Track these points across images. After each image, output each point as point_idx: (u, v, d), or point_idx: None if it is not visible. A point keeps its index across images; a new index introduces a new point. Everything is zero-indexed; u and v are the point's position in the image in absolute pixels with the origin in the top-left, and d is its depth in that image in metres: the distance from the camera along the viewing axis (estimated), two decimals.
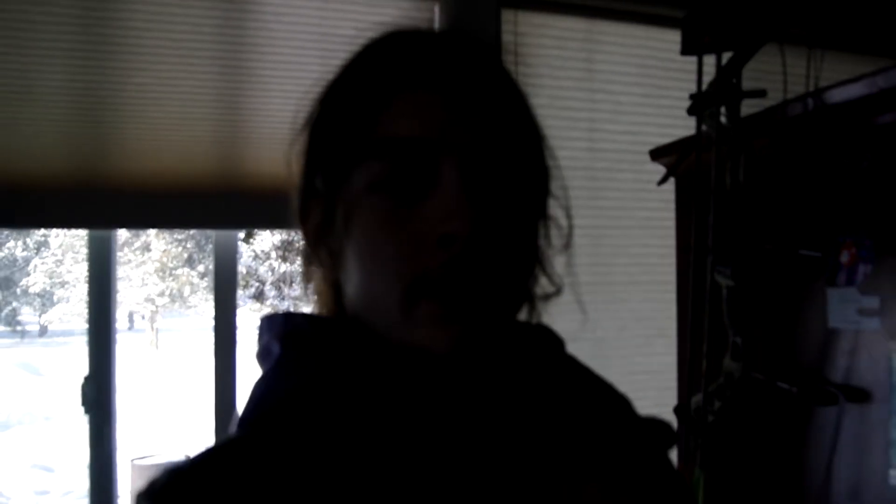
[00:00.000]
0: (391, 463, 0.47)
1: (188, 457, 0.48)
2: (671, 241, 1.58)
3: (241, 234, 14.20)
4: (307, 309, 0.58)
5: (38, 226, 1.70)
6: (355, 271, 0.50)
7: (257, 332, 0.55)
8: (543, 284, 0.57)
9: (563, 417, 0.52)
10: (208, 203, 1.59)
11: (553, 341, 0.59)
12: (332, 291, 0.55)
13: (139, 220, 1.63)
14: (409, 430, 0.48)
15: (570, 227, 0.58)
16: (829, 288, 1.13)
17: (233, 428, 0.51)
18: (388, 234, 0.48)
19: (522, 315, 0.56)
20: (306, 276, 0.58)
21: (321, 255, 0.54)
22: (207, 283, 15.27)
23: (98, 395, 1.65)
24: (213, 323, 1.68)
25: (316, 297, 0.57)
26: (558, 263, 0.58)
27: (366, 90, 0.50)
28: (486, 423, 0.50)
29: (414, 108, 0.48)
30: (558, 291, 0.57)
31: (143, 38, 1.51)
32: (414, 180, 0.47)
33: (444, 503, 0.47)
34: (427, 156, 0.47)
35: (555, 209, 0.57)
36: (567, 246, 0.58)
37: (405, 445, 0.48)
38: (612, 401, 0.58)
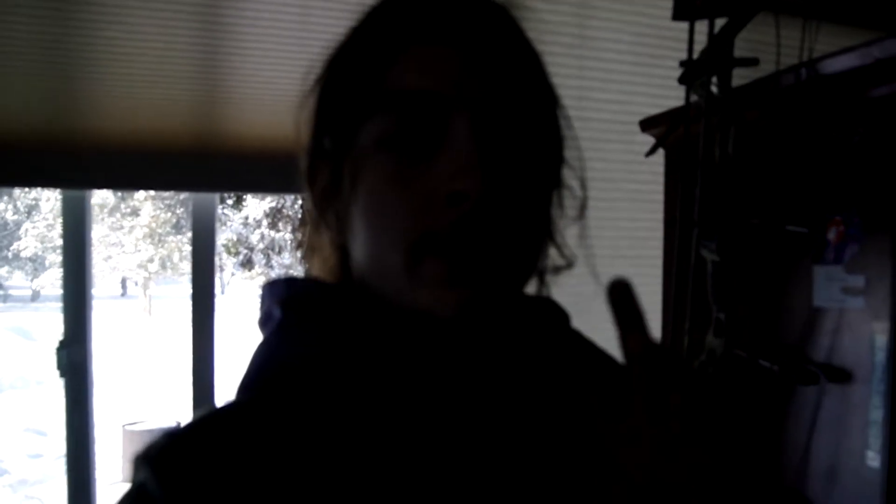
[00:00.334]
0: (393, 431, 0.45)
1: (188, 420, 0.47)
2: (660, 215, 1.55)
3: (227, 200, 14.15)
4: (308, 274, 0.57)
5: (7, 184, 1.66)
6: (361, 231, 0.48)
7: (259, 297, 0.54)
8: (554, 256, 0.55)
9: (566, 390, 0.51)
10: (185, 164, 1.54)
11: (558, 314, 0.57)
12: (339, 256, 0.53)
13: (113, 181, 1.59)
14: (412, 399, 0.47)
15: (585, 197, 0.56)
16: (816, 266, 1.10)
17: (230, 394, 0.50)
18: (395, 191, 0.45)
19: (532, 287, 0.54)
20: (302, 243, 0.56)
21: (328, 217, 0.52)
22: None
23: (75, 360, 1.62)
24: (190, 287, 1.65)
25: (321, 262, 0.55)
26: (570, 236, 0.56)
27: (376, 44, 0.48)
28: (491, 393, 0.49)
29: (426, 61, 0.46)
30: (570, 265, 0.56)
31: None
32: (424, 136, 0.45)
33: (449, 475, 0.45)
34: (438, 111, 0.45)
35: (569, 179, 0.55)
36: (581, 216, 0.56)
37: (408, 415, 0.46)
38: (615, 374, 0.56)
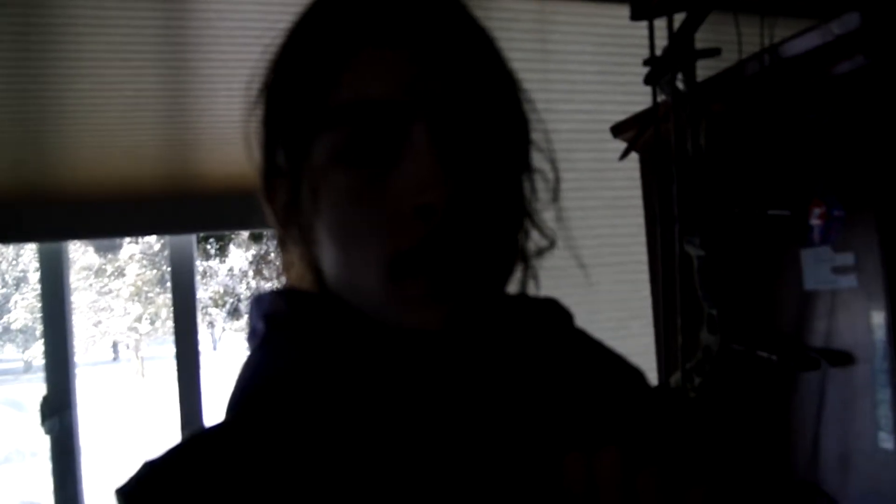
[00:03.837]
0: (383, 445, 0.43)
1: (169, 447, 0.45)
2: (640, 220, 1.54)
3: (210, 250, 14.09)
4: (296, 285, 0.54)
5: None
6: (331, 250, 0.46)
7: (247, 312, 0.52)
8: (535, 239, 0.53)
9: (574, 390, 0.49)
10: (159, 208, 1.53)
11: (561, 314, 0.55)
12: (312, 271, 0.50)
13: (89, 230, 1.57)
14: (403, 411, 0.44)
15: (557, 178, 0.54)
16: (803, 249, 1.08)
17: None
18: (359, 208, 0.43)
19: (517, 273, 0.52)
20: (284, 267, 0.53)
21: (293, 234, 0.49)
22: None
23: (62, 427, 1.57)
24: (173, 331, 1.62)
25: (297, 279, 0.53)
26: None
27: (321, 49, 0.45)
28: (488, 402, 0.46)
29: (377, 66, 0.43)
30: (552, 244, 0.54)
31: (82, 44, 1.46)
32: (381, 147, 0.43)
33: (444, 492, 0.42)
34: (394, 120, 0.43)
35: (539, 161, 0.53)
36: (555, 198, 0.54)
37: (399, 427, 0.44)
38: (625, 373, 0.55)
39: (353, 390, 0.45)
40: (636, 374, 0.55)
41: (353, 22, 0.45)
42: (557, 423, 0.47)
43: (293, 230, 0.49)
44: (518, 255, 0.51)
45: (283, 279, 0.54)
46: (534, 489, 0.43)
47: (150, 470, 0.43)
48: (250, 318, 0.51)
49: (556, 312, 0.55)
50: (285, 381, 0.46)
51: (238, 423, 0.46)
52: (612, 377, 0.53)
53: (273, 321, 0.49)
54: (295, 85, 0.47)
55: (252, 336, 0.50)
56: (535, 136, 0.52)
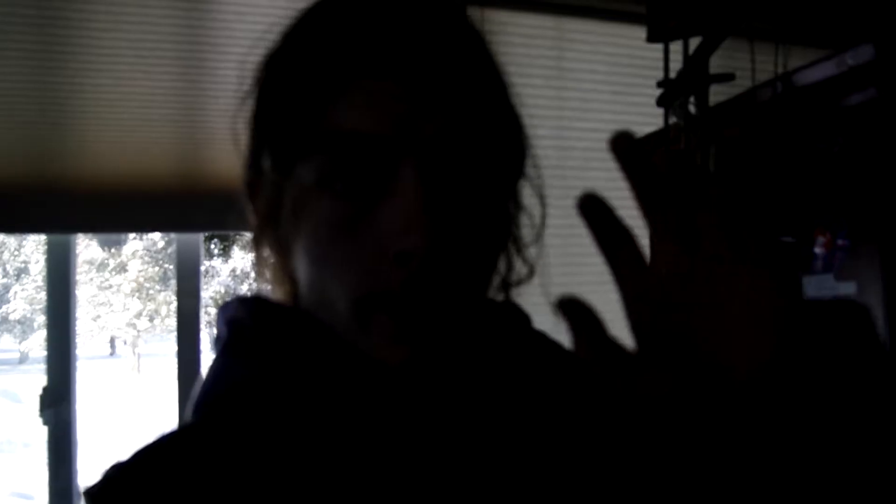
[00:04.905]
0: (337, 452, 0.44)
1: (134, 449, 0.46)
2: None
3: (214, 250, 14.08)
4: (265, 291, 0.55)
5: None
6: (306, 271, 0.45)
7: (215, 317, 0.53)
8: (517, 268, 0.53)
9: (532, 394, 0.50)
10: (170, 205, 1.54)
11: (518, 317, 0.55)
12: (286, 279, 0.51)
13: (99, 224, 1.58)
14: (356, 420, 0.45)
15: (544, 216, 0.54)
16: (805, 276, 1.09)
17: (189, 411, 0.49)
18: (339, 240, 0.43)
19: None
20: (258, 268, 0.53)
21: (270, 242, 0.49)
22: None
23: (60, 419, 1.58)
24: (174, 329, 1.62)
25: (271, 285, 0.53)
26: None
27: (318, 69, 0.44)
28: (449, 411, 0.47)
29: (368, 97, 0.42)
30: (531, 273, 0.53)
31: (101, 39, 1.47)
32: (368, 182, 0.42)
33: (402, 496, 0.43)
34: (382, 155, 0.42)
35: (528, 196, 0.53)
36: (538, 237, 0.54)
37: (353, 436, 0.45)
38: (583, 373, 0.54)
39: (310, 403, 0.46)
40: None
41: (354, 47, 0.43)
42: (517, 429, 0.48)
43: (270, 239, 0.49)
44: (489, 287, 0.51)
45: (260, 280, 0.54)
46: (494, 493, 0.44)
47: (118, 471, 0.44)
48: (217, 322, 0.52)
49: (513, 315, 0.55)
50: (244, 388, 0.47)
51: (199, 427, 0.47)
52: (571, 378, 0.53)
53: (235, 328, 0.50)
54: (288, 97, 0.46)
55: (217, 341, 0.51)
56: (528, 170, 0.52)
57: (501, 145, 0.47)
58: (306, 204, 0.44)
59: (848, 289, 1.01)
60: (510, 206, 0.51)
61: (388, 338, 0.43)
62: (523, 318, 0.56)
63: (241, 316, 0.50)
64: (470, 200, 0.44)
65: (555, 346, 0.56)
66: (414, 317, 0.42)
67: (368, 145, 0.42)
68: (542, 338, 0.56)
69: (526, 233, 0.54)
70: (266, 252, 0.51)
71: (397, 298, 0.42)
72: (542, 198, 0.53)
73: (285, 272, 0.50)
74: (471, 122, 0.44)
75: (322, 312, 0.46)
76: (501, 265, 0.52)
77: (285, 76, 0.46)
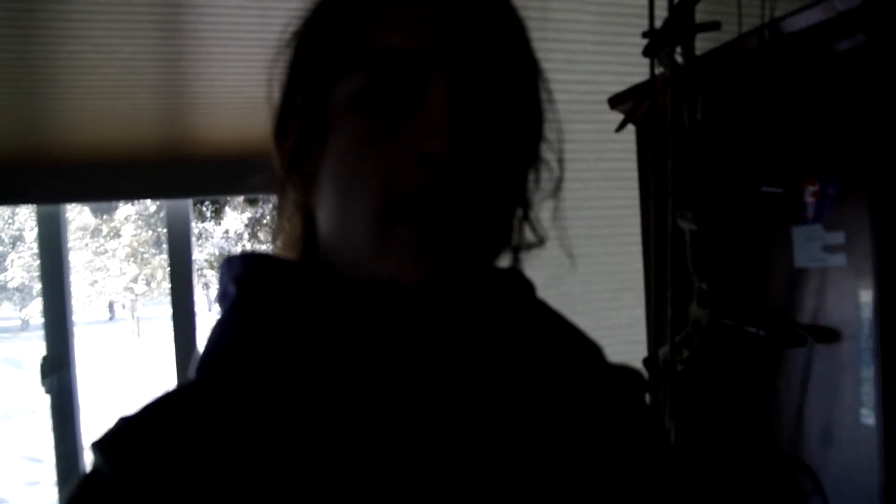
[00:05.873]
0: (348, 406, 0.44)
1: (142, 404, 0.46)
2: (635, 192, 1.54)
3: (206, 213, 14.02)
4: (269, 248, 0.56)
5: None
6: (329, 193, 0.46)
7: (218, 274, 0.53)
8: (527, 234, 0.54)
9: (533, 362, 0.51)
10: (155, 172, 1.53)
11: (523, 285, 0.56)
12: (303, 223, 0.52)
13: (85, 193, 1.57)
14: (369, 374, 0.46)
15: (561, 175, 0.54)
16: (794, 226, 1.08)
17: (192, 370, 0.49)
18: (366, 152, 0.44)
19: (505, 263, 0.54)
20: (276, 232, 0.54)
21: (295, 178, 0.50)
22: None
23: (61, 385, 1.59)
24: (169, 292, 1.63)
25: (285, 232, 0.54)
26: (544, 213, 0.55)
27: (357, 1, 0.47)
28: (455, 366, 0.47)
29: (407, 20, 0.45)
30: (542, 241, 0.54)
31: (72, 3, 1.42)
32: (399, 96, 0.44)
33: (412, 452, 0.44)
34: (415, 71, 0.44)
35: (546, 155, 0.54)
36: (556, 193, 0.55)
37: (364, 390, 0.45)
38: (582, 346, 0.56)
39: (319, 355, 0.46)
40: (594, 349, 0.56)
41: None
42: (518, 393, 0.49)
43: (297, 174, 0.50)
44: (509, 238, 0.52)
45: (276, 244, 0.55)
46: (494, 450, 0.45)
47: (125, 424, 0.44)
48: (221, 279, 0.52)
49: (518, 283, 0.56)
50: (254, 344, 0.47)
51: (207, 384, 0.47)
52: (570, 350, 0.54)
53: (244, 284, 0.50)
54: (325, 31, 0.48)
55: (223, 298, 0.51)
56: (548, 130, 0.53)
57: (525, 90, 0.49)
58: (336, 125, 0.46)
59: (837, 238, 1.01)
60: (528, 157, 0.52)
61: (408, 249, 0.42)
62: (528, 287, 0.56)
63: (249, 272, 0.50)
64: (496, 126, 0.46)
65: (555, 316, 0.56)
66: (436, 224, 0.42)
67: (405, 62, 0.44)
68: (543, 307, 0.56)
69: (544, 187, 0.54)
70: (288, 198, 0.52)
71: (419, 204, 0.42)
72: (560, 159, 0.54)
73: (304, 212, 0.51)
74: (499, 51, 0.46)
75: (339, 243, 0.46)
76: (515, 221, 0.52)
77: (326, 9, 0.49)
